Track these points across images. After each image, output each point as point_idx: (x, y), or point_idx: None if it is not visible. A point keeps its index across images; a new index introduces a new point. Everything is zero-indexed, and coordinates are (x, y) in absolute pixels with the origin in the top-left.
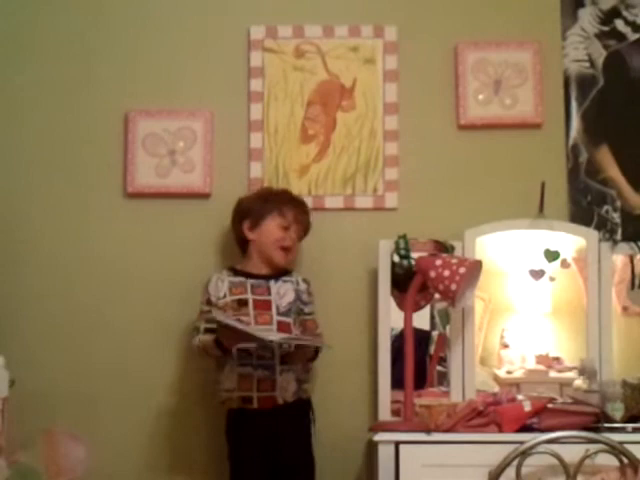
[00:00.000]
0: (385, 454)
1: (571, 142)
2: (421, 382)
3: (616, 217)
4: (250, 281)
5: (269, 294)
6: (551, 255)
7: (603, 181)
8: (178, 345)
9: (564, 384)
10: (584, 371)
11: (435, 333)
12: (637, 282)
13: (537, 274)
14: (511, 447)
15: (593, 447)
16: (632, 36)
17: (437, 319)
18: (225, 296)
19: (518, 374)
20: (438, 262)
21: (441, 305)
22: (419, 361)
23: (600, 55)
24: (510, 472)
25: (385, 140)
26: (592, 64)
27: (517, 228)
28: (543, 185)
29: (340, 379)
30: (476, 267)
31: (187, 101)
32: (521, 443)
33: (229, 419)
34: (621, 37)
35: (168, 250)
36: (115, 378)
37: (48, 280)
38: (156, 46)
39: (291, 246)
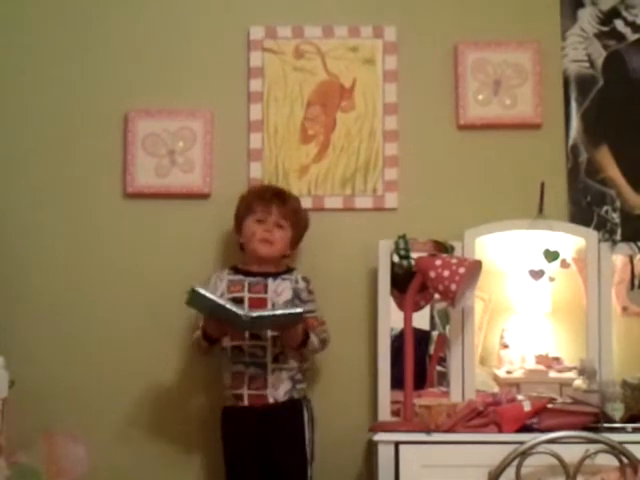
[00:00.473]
0: (385, 454)
1: (571, 142)
2: (421, 382)
3: (616, 217)
4: (248, 279)
5: (266, 292)
6: (551, 255)
7: (603, 181)
8: (178, 345)
9: (564, 384)
10: (584, 371)
11: (435, 333)
12: (637, 282)
13: (537, 274)
14: (511, 447)
15: (593, 447)
16: (632, 36)
17: (437, 319)
18: (223, 294)
19: (518, 374)
20: (438, 262)
21: (441, 305)
22: (419, 361)
23: (600, 55)
24: (510, 472)
25: (385, 140)
26: (592, 64)
27: (517, 228)
28: (543, 185)
29: (340, 379)
30: (476, 267)
31: (187, 101)
32: (521, 443)
33: (223, 416)
34: (621, 37)
35: (168, 250)
36: (115, 378)
37: (48, 280)
38: (156, 46)
39: (268, 237)
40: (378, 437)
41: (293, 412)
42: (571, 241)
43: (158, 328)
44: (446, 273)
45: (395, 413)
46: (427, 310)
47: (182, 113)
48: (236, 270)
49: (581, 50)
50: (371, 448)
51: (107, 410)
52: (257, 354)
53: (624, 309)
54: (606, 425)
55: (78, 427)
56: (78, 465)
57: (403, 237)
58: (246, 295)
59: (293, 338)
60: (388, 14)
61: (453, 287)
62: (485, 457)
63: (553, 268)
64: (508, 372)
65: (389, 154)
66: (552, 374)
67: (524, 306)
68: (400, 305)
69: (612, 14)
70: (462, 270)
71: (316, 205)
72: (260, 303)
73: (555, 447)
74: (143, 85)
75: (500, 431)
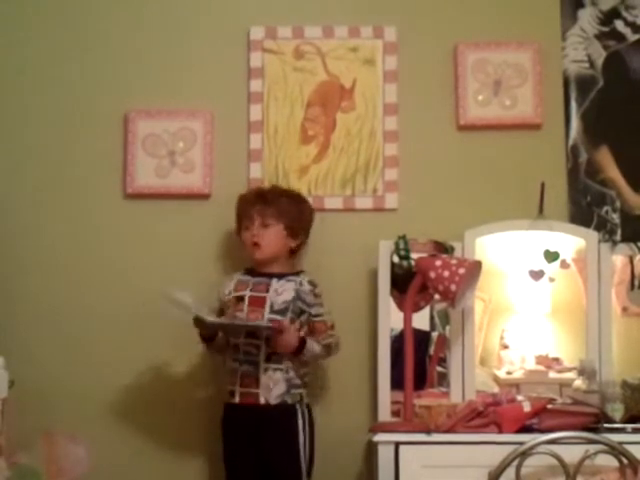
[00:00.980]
0: (385, 455)
1: (571, 143)
2: (421, 383)
3: (616, 218)
4: (254, 279)
5: (267, 291)
6: (551, 256)
7: (603, 182)
8: (178, 345)
9: (564, 385)
10: (584, 372)
11: (435, 334)
12: (637, 283)
13: (537, 275)
14: (511, 448)
15: (593, 448)
16: (632, 37)
17: (437, 320)
18: (230, 293)
19: (518, 375)
20: (438, 263)
21: (441, 306)
22: (419, 362)
23: (600, 56)
24: (510, 472)
25: (385, 141)
26: (592, 65)
27: (517, 229)
28: (543, 186)
29: (340, 379)
30: (476, 268)
31: (187, 101)
32: (521, 444)
33: (223, 413)
34: (621, 38)
35: (168, 250)
36: (115, 378)
37: (48, 280)
38: (156, 46)
39: (256, 240)
40: (378, 437)
41: (285, 417)
42: (571, 241)
43: (158, 328)
44: (446, 273)
45: (395, 413)
46: (427, 311)
47: (182, 113)
48: (248, 271)
49: (581, 50)
50: (371, 448)
51: (107, 410)
52: (251, 352)
53: (624, 309)
54: (606, 425)
55: (78, 427)
56: (78, 465)
57: (403, 237)
58: (247, 294)
59: (282, 345)
60: (388, 14)
61: (453, 287)
62: (485, 457)
63: (553, 268)
64: (508, 372)
65: (389, 154)
66: (552, 374)
67: (524, 306)
68: (400, 305)
69: (612, 14)
70: (462, 271)
71: (316, 205)
72: (258, 301)
73: (555, 447)
74: (143, 85)
75: (500, 431)
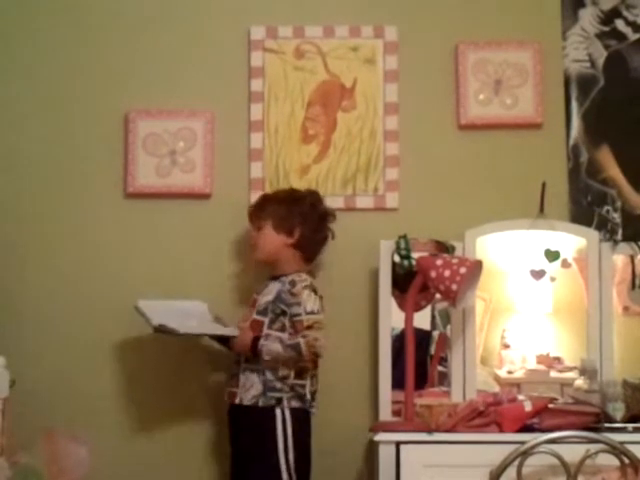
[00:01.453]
0: (386, 454)
1: (571, 142)
2: (422, 382)
3: (617, 217)
4: (264, 282)
5: (261, 294)
6: (552, 255)
7: (603, 181)
8: (178, 345)
9: (565, 384)
10: (585, 371)
11: (436, 333)
12: (638, 282)
13: (538, 274)
14: (512, 447)
15: (594, 447)
16: (632, 36)
17: (438, 319)
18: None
19: (519, 374)
20: (439, 262)
21: (442, 305)
22: (420, 361)
23: (600, 55)
24: (511, 472)
25: (385, 140)
26: (592, 64)
27: (518, 228)
28: (544, 185)
29: (340, 379)
30: (477, 267)
31: (187, 101)
32: (522, 443)
33: None
34: (621, 37)
35: (168, 250)
36: (116, 378)
37: (48, 280)
38: (156, 46)
39: (252, 243)
40: (379, 437)
41: (260, 420)
42: (572, 241)
43: None
44: (447, 273)
45: (396, 413)
46: (428, 310)
47: (183, 113)
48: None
49: (582, 50)
50: (372, 448)
51: (108, 410)
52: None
53: (625, 309)
54: (607, 425)
55: (79, 427)
56: (79, 465)
57: (404, 237)
58: (253, 296)
59: (237, 344)
60: (389, 14)
61: (454, 287)
62: (486, 457)
63: (554, 268)
64: (509, 372)
65: (390, 154)
66: (553, 374)
67: (525, 306)
68: (401, 305)
69: (613, 14)
70: (463, 270)
71: None
72: (252, 303)
73: (556, 447)
74: (143, 85)
75: (501, 431)
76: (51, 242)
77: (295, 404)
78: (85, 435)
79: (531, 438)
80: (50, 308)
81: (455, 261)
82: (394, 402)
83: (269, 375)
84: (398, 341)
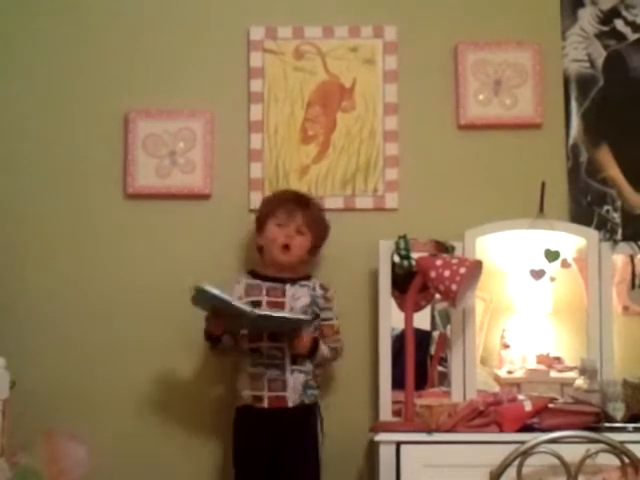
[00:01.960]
0: (386, 454)
1: (571, 142)
2: (422, 382)
3: (616, 217)
4: (266, 284)
5: (284, 296)
6: (551, 255)
7: (603, 181)
8: (179, 345)
9: (565, 384)
10: (585, 371)
11: (436, 333)
12: (637, 282)
13: (537, 274)
14: (512, 447)
15: (594, 447)
16: (632, 36)
17: (438, 319)
18: (241, 298)
19: (519, 374)
20: (438, 262)
21: (442, 305)
22: (420, 361)
23: (600, 55)
24: (511, 472)
25: (385, 140)
26: (592, 64)
27: (517, 228)
28: (543, 185)
29: (341, 379)
30: (476, 267)
31: (187, 101)
32: (522, 443)
33: (237, 417)
34: (621, 37)
35: (168, 251)
36: (116, 378)
37: (48, 281)
38: (156, 46)
39: (288, 243)
40: (379, 437)
41: (308, 417)
42: (572, 241)
43: (158, 328)
44: (447, 273)
45: (396, 413)
46: (428, 310)
47: (182, 114)
48: (254, 274)
49: (581, 50)
50: (372, 448)
51: (108, 411)
52: (276, 356)
53: (625, 309)
54: (607, 425)
55: (79, 428)
56: (79, 466)
57: (404, 237)
58: (264, 299)
59: (300, 346)
60: (388, 14)
61: (454, 287)
62: (486, 457)
63: (554, 268)
64: (509, 372)
65: (389, 154)
66: (553, 374)
67: (525, 306)
68: (401, 305)
69: (612, 14)
70: (463, 270)
71: None
72: (278, 306)
73: (556, 447)
74: (143, 85)
75: (501, 431)
76: (51, 242)
77: (318, 401)
78: (84, 435)
79: (531, 438)
80: (50, 308)
81: (455, 261)
82: (394, 402)
83: (310, 375)
84: (398, 341)
